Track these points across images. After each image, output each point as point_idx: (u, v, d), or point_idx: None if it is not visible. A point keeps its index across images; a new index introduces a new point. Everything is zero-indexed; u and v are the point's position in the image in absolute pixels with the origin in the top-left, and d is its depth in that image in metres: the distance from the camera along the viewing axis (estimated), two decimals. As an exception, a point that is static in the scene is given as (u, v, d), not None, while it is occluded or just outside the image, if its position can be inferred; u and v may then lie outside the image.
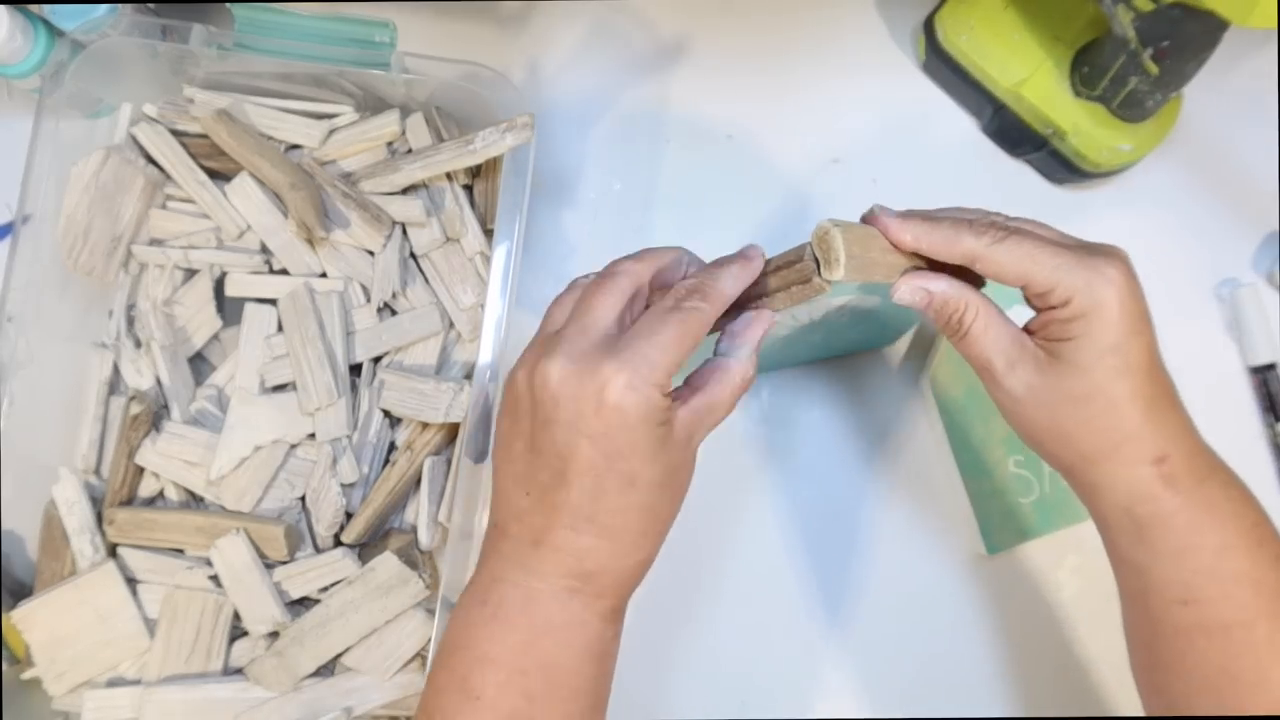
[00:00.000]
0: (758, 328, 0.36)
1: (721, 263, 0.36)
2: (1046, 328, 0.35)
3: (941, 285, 0.35)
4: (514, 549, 0.35)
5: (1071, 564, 0.50)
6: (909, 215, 0.36)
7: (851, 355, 0.52)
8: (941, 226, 0.35)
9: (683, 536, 0.51)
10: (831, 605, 0.50)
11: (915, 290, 0.35)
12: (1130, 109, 0.48)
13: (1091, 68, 0.48)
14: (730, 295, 0.35)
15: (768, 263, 0.37)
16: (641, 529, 0.34)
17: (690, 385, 0.35)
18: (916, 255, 0.36)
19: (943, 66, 0.52)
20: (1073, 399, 0.34)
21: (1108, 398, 0.34)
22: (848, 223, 0.35)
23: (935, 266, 0.36)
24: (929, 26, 0.52)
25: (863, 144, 0.54)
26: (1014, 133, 0.52)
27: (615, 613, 0.35)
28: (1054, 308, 0.34)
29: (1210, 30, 0.43)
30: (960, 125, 0.54)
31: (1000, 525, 0.49)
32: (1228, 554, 0.34)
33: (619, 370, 0.32)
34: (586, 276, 0.38)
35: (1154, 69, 0.45)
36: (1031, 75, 0.50)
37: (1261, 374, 0.51)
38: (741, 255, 0.36)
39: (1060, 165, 0.52)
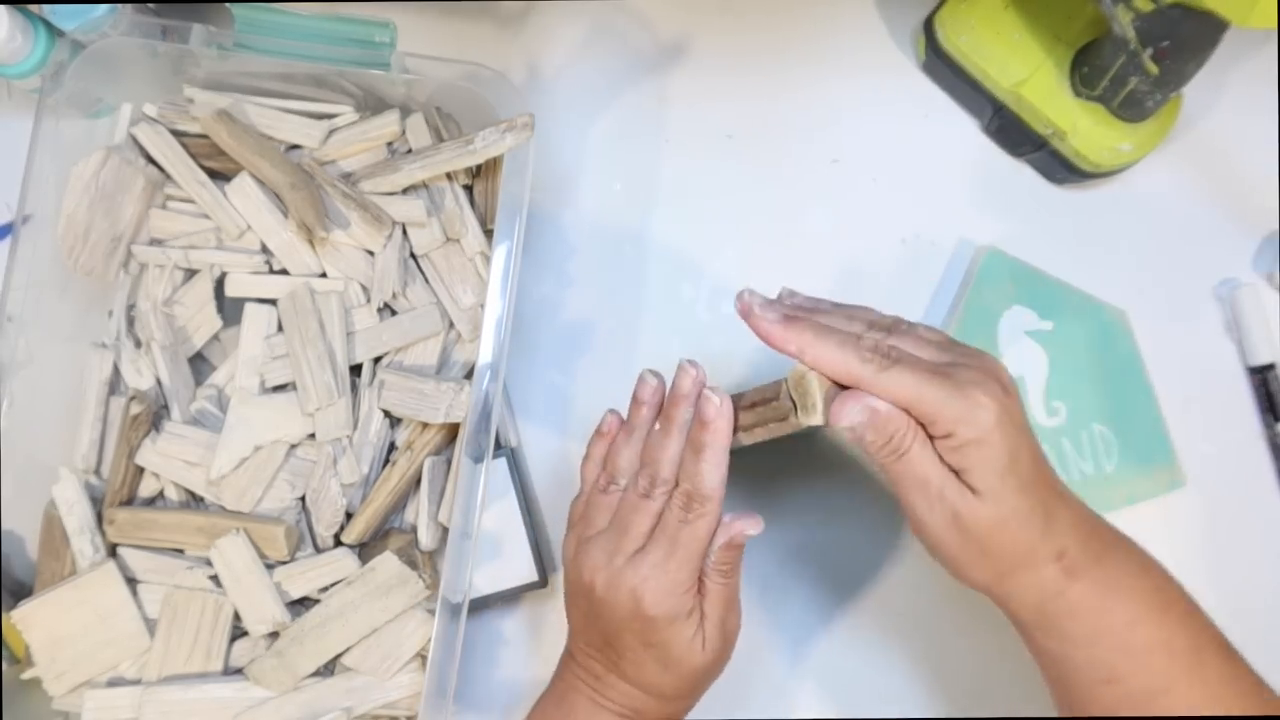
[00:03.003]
0: (726, 530, 0.39)
1: (699, 447, 0.38)
2: (945, 456, 0.35)
3: (883, 405, 0.35)
4: (585, 673, 0.41)
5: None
6: (792, 321, 0.36)
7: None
8: (829, 343, 0.35)
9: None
10: (831, 605, 0.50)
11: (862, 411, 0.35)
12: (1130, 109, 0.48)
13: (1091, 68, 0.48)
14: (719, 484, 0.38)
15: (743, 396, 0.39)
16: (682, 691, 0.40)
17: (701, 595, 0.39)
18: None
19: (943, 66, 0.52)
20: (988, 524, 0.35)
21: (1018, 517, 0.35)
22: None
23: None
24: (929, 26, 0.52)
25: (863, 144, 0.54)
26: (1014, 133, 0.52)
27: None
28: (939, 438, 0.35)
29: (1210, 30, 0.42)
30: (960, 125, 0.54)
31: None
32: (1137, 627, 0.35)
33: (647, 580, 0.38)
34: (609, 418, 0.44)
35: (1154, 69, 0.45)
36: (1031, 75, 0.50)
37: (1261, 374, 0.51)
38: (706, 425, 0.38)
39: (1060, 165, 0.52)
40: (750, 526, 0.38)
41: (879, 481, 0.51)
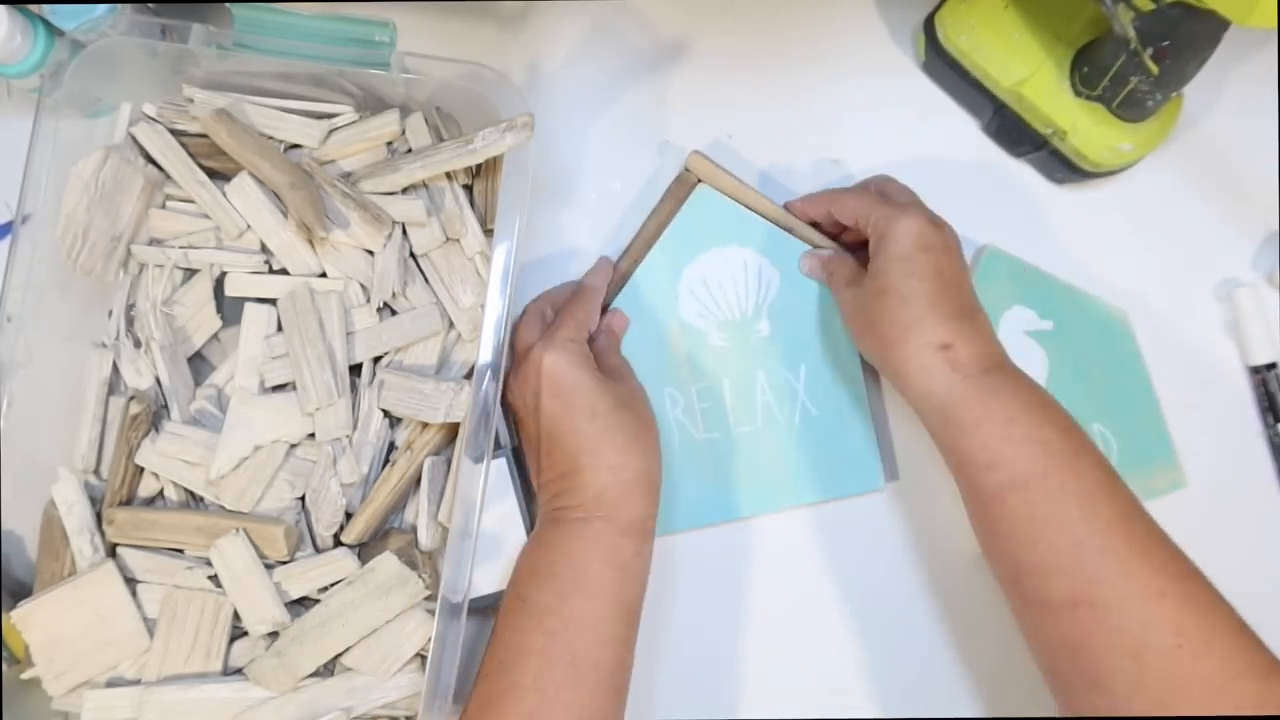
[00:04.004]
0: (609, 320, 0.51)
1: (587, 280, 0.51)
2: (870, 252, 0.46)
3: (827, 250, 0.50)
4: (546, 500, 0.46)
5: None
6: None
7: (781, 251, 0.52)
8: (812, 195, 0.51)
9: (682, 535, 0.51)
10: (831, 605, 0.50)
11: (812, 257, 0.50)
12: (1131, 109, 0.48)
13: (1092, 67, 0.48)
14: (600, 278, 0.51)
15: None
16: (623, 443, 0.44)
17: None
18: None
19: (943, 66, 0.52)
20: (873, 294, 0.44)
21: (897, 293, 0.43)
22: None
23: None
24: (929, 26, 0.52)
25: (863, 144, 0.54)
26: (1014, 132, 0.52)
27: (631, 528, 0.44)
28: (867, 236, 0.46)
29: (1211, 30, 0.42)
30: (960, 125, 0.54)
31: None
32: (1014, 424, 0.40)
33: (541, 348, 0.45)
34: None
35: (1154, 69, 0.45)
36: (1032, 75, 0.50)
37: (1261, 374, 0.51)
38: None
39: (1061, 165, 0.52)
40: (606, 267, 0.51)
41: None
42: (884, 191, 0.49)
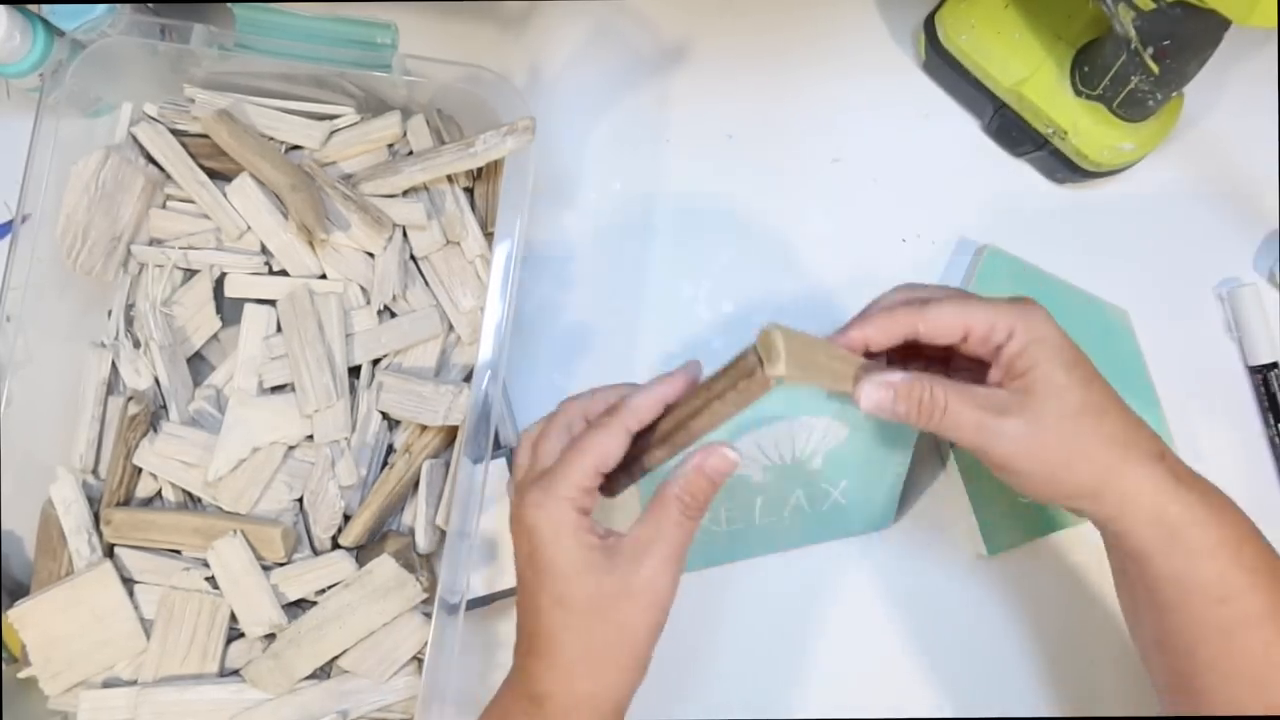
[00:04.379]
0: (703, 456, 0.35)
1: (650, 381, 0.37)
2: (1006, 369, 0.36)
3: (899, 375, 0.36)
4: (515, 661, 0.38)
5: (1071, 564, 0.50)
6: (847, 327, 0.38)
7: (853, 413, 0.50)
8: (874, 316, 0.37)
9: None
10: (831, 605, 0.50)
11: (878, 387, 0.35)
12: (1131, 108, 0.48)
13: (1092, 67, 0.48)
14: (644, 407, 0.36)
15: (711, 377, 0.37)
16: (579, 654, 0.35)
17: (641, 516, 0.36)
18: (861, 358, 0.37)
19: (943, 66, 0.52)
20: (1066, 418, 0.35)
21: (1094, 407, 0.35)
22: (792, 329, 0.35)
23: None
24: (929, 26, 0.52)
25: (863, 144, 0.54)
26: (1015, 132, 0.52)
27: None
28: (1001, 346, 0.36)
29: (1211, 29, 0.42)
30: (961, 125, 0.54)
31: (1000, 525, 0.49)
32: (1245, 544, 0.35)
33: (531, 490, 0.35)
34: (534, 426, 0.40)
35: (1155, 68, 0.45)
36: (1032, 74, 0.50)
37: (1261, 374, 0.51)
38: (667, 375, 0.37)
39: (1061, 164, 0.52)
40: (720, 458, 0.35)
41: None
42: (932, 298, 0.37)
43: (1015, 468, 0.35)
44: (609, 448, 0.36)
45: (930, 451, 0.51)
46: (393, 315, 0.50)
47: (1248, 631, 0.35)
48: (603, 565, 0.35)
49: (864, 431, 0.44)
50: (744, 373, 0.35)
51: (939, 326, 0.36)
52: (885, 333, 0.37)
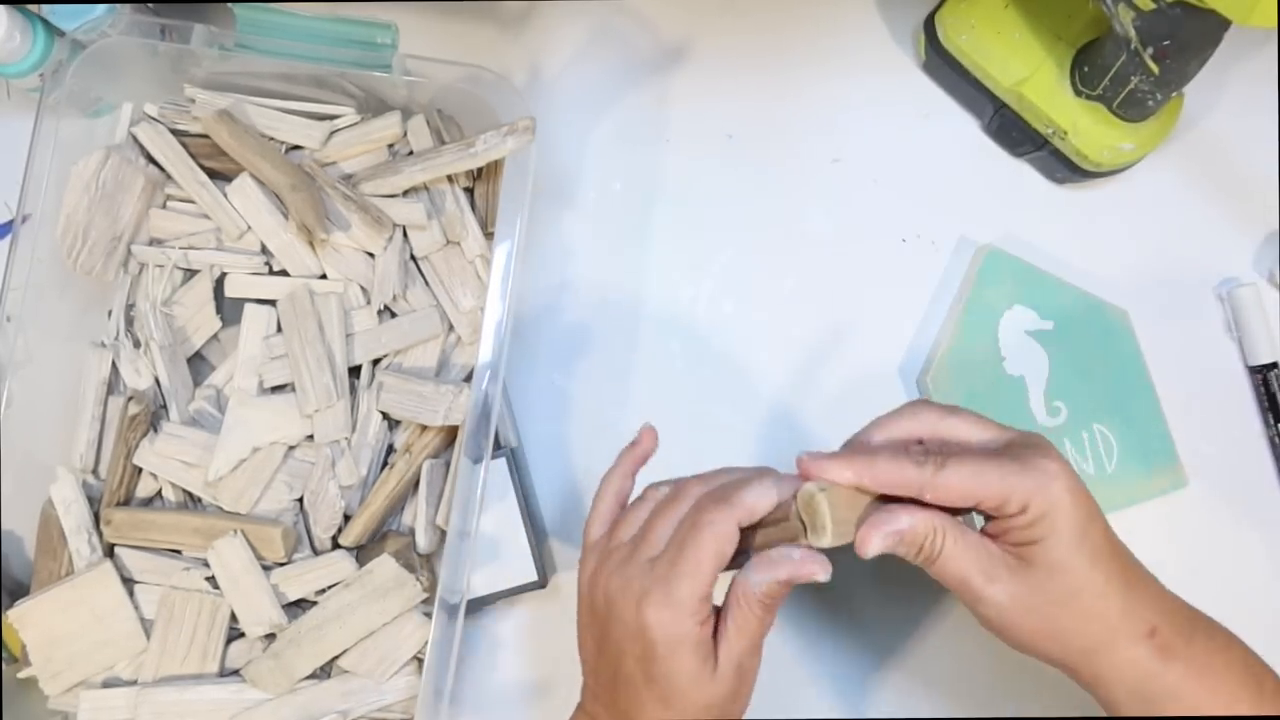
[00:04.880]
0: (799, 565, 0.35)
1: (747, 478, 0.36)
2: (1008, 534, 0.34)
3: (905, 521, 0.34)
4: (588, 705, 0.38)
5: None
6: (840, 455, 0.36)
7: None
8: (880, 462, 0.35)
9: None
10: (831, 604, 0.50)
11: (885, 537, 0.34)
12: (1131, 108, 0.48)
13: (1092, 67, 0.48)
14: (758, 507, 0.35)
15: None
16: None
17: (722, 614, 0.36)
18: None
19: (943, 66, 0.52)
20: (1059, 598, 0.34)
21: (1092, 589, 0.34)
22: (832, 485, 0.34)
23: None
24: (929, 26, 0.52)
25: (863, 144, 0.54)
26: (1015, 132, 0.52)
27: None
28: (1012, 516, 0.34)
29: (1211, 29, 0.42)
30: (961, 125, 0.54)
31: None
32: (1236, 706, 0.34)
33: (655, 590, 0.34)
34: (661, 486, 0.39)
35: (1155, 68, 0.44)
36: (1032, 74, 0.50)
37: (1261, 374, 0.51)
38: (769, 472, 0.37)
39: (1061, 165, 0.52)
40: (819, 570, 0.34)
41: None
42: (960, 436, 0.36)
43: (995, 629, 0.35)
44: (726, 546, 0.35)
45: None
46: (393, 315, 0.50)
47: None
48: (712, 677, 0.35)
49: None
50: (787, 536, 0.35)
51: (947, 498, 0.34)
52: (889, 488, 0.35)
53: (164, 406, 0.48)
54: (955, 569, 0.34)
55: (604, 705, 0.38)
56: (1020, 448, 0.35)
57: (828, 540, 0.34)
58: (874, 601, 0.50)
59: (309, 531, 0.48)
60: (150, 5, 0.50)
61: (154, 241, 0.50)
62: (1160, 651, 0.34)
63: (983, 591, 0.34)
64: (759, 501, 0.35)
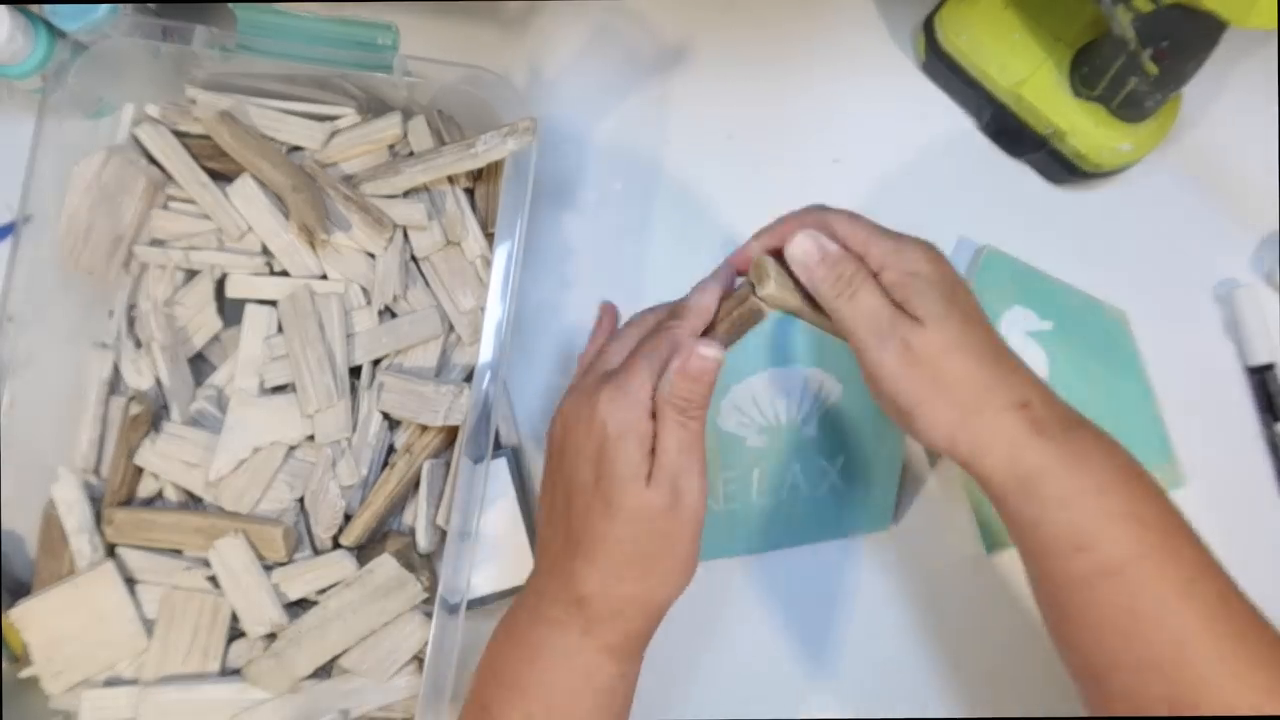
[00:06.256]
0: (681, 360, 0.37)
1: (699, 285, 0.40)
2: (891, 292, 0.37)
3: (834, 246, 0.37)
4: (537, 579, 0.39)
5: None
6: (756, 236, 0.40)
7: (848, 367, 0.51)
8: (789, 222, 0.40)
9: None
10: (831, 604, 0.50)
11: (809, 238, 0.37)
12: (1130, 109, 0.48)
13: (1091, 68, 0.48)
14: (704, 306, 0.39)
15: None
16: (626, 559, 0.36)
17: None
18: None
19: (942, 66, 0.53)
20: (937, 347, 0.35)
21: (965, 345, 0.35)
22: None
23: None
24: (929, 26, 0.52)
25: (863, 144, 0.54)
26: (1014, 133, 0.52)
27: (617, 650, 0.37)
28: (877, 275, 0.37)
29: (1209, 30, 0.43)
30: (960, 125, 0.54)
31: (1000, 525, 0.48)
32: (1107, 496, 0.34)
33: (604, 388, 0.36)
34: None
35: (1153, 69, 0.45)
36: (1031, 75, 0.50)
37: (1260, 374, 0.51)
38: (713, 276, 0.41)
39: (1060, 165, 0.52)
40: (707, 349, 0.36)
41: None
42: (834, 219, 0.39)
43: (878, 390, 0.37)
44: (672, 348, 0.37)
45: (925, 450, 0.51)
46: (393, 315, 0.50)
47: (1108, 581, 0.34)
48: (649, 481, 0.36)
49: (856, 395, 0.44)
50: (739, 299, 0.39)
51: (842, 236, 0.38)
52: (780, 238, 0.38)
53: (165, 407, 0.48)
54: (870, 305, 0.36)
55: (554, 539, 0.38)
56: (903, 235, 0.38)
57: (771, 288, 0.37)
58: (875, 602, 0.50)
59: (310, 531, 0.48)
60: (151, 6, 0.51)
61: (155, 242, 0.50)
62: (1033, 426, 0.35)
63: (872, 349, 0.36)
64: (704, 301, 0.39)
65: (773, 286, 0.37)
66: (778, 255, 0.39)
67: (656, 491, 0.36)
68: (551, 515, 0.39)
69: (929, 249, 0.37)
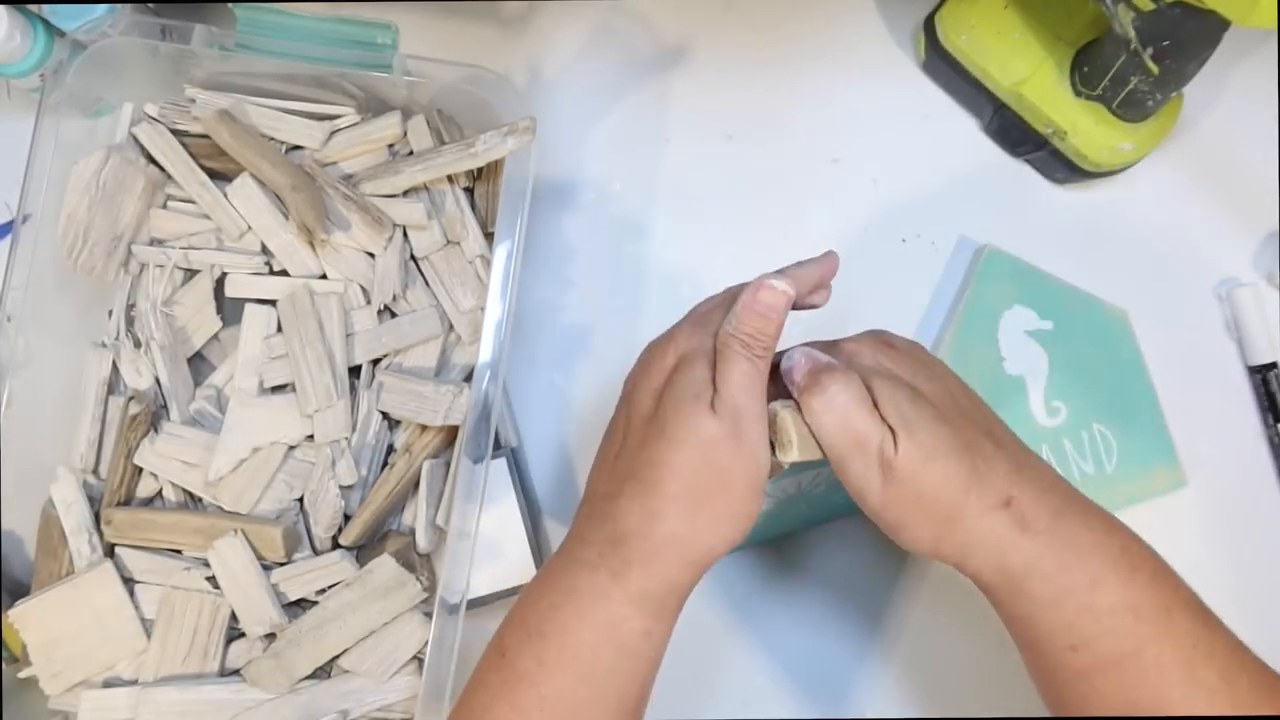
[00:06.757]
0: (751, 292, 0.36)
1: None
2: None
3: (826, 360, 0.36)
4: (577, 526, 0.37)
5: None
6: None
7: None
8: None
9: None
10: (831, 604, 0.50)
11: (806, 353, 0.36)
12: (1131, 108, 0.48)
13: (1092, 67, 0.48)
14: (784, 283, 0.37)
15: None
16: (676, 492, 0.33)
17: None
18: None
19: (943, 66, 0.52)
20: (911, 460, 0.33)
21: (939, 451, 0.34)
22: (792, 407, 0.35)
23: None
24: (929, 26, 0.52)
25: (863, 144, 0.54)
26: (1014, 132, 0.52)
27: (648, 600, 0.34)
28: None
29: (1211, 30, 0.42)
30: (960, 125, 0.54)
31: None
32: (1099, 589, 0.33)
33: (683, 322, 0.37)
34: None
35: (1154, 68, 0.45)
36: (1032, 75, 0.50)
37: (1261, 374, 0.51)
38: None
39: (1061, 165, 0.52)
40: (777, 280, 0.35)
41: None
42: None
43: (868, 511, 0.35)
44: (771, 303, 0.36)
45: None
46: (393, 315, 0.50)
47: (1105, 676, 0.33)
48: (711, 410, 0.34)
49: None
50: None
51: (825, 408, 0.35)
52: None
53: (164, 406, 0.48)
54: (859, 445, 0.34)
55: (604, 477, 0.36)
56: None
57: (795, 454, 0.35)
58: (875, 602, 0.50)
59: (309, 531, 0.48)
60: (150, 5, 0.51)
61: (154, 241, 0.50)
62: (1017, 524, 0.34)
63: (875, 458, 0.34)
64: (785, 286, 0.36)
65: (795, 453, 0.35)
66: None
67: (720, 422, 0.33)
68: (604, 458, 0.37)
69: (877, 338, 0.37)
